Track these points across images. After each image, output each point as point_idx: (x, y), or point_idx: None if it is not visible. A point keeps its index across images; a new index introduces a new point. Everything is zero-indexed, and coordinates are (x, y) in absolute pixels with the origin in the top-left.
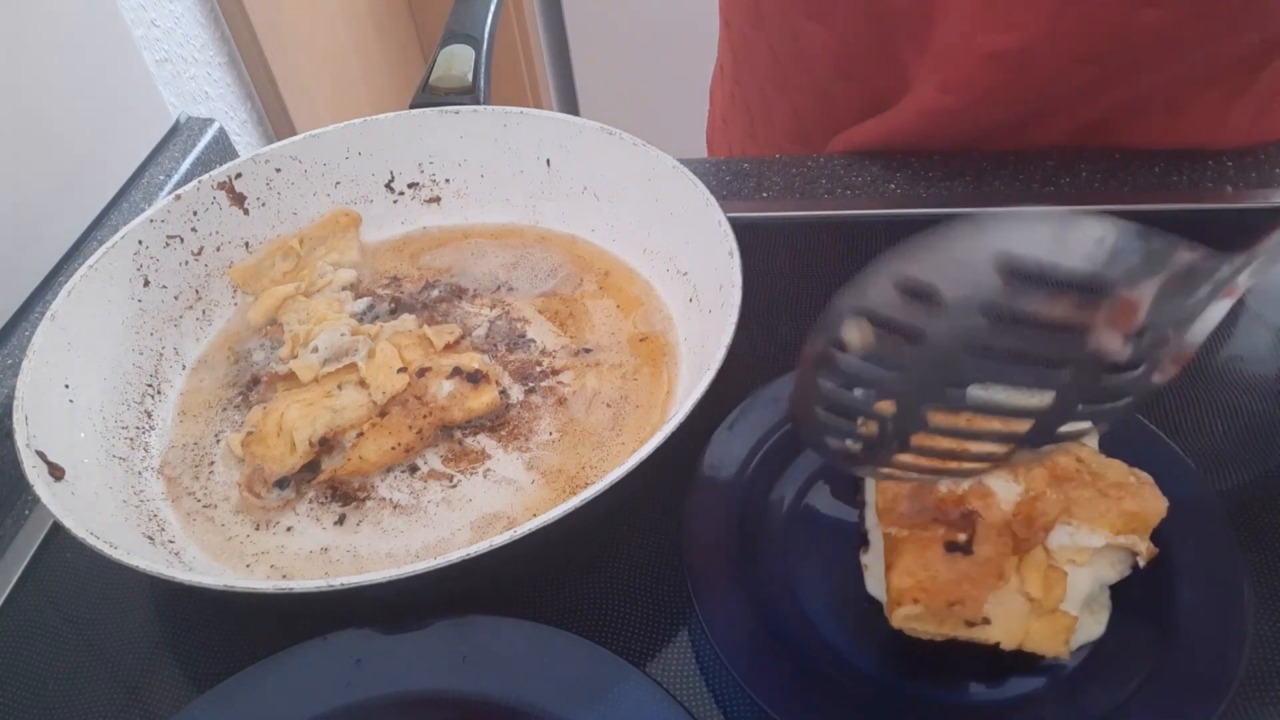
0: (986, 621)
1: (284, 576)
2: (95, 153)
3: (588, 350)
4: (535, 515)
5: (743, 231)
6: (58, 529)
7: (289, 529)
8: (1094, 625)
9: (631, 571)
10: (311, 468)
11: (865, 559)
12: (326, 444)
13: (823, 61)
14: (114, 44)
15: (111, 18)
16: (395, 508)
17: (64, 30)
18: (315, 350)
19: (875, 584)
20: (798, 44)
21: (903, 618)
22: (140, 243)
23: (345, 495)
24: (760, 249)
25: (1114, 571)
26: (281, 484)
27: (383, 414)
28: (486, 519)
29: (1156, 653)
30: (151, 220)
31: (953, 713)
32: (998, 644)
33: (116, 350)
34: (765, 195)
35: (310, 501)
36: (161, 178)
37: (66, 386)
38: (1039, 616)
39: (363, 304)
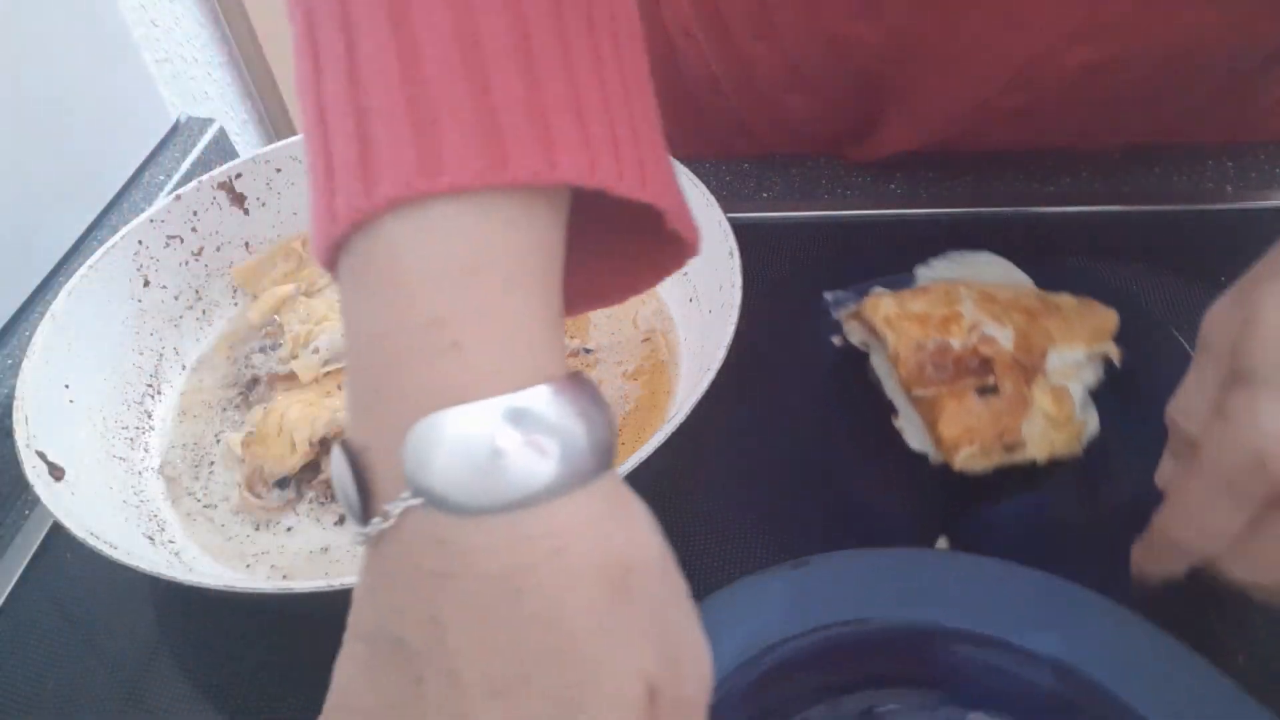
0: (1023, 445)
1: (284, 576)
2: (95, 153)
3: (588, 350)
4: None
5: (743, 231)
6: (58, 529)
7: (289, 529)
8: (1092, 423)
9: None
10: (312, 468)
11: (898, 423)
12: (327, 444)
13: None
14: (114, 44)
15: (111, 18)
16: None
17: (64, 30)
18: (316, 350)
19: (915, 440)
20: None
21: (964, 459)
22: (140, 243)
23: None
24: (760, 249)
25: (1094, 377)
26: (281, 484)
27: None
28: None
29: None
30: (151, 220)
31: (996, 523)
32: (1033, 461)
33: (116, 350)
34: (765, 195)
35: (310, 501)
36: (161, 178)
37: (66, 386)
38: (1057, 428)
39: None
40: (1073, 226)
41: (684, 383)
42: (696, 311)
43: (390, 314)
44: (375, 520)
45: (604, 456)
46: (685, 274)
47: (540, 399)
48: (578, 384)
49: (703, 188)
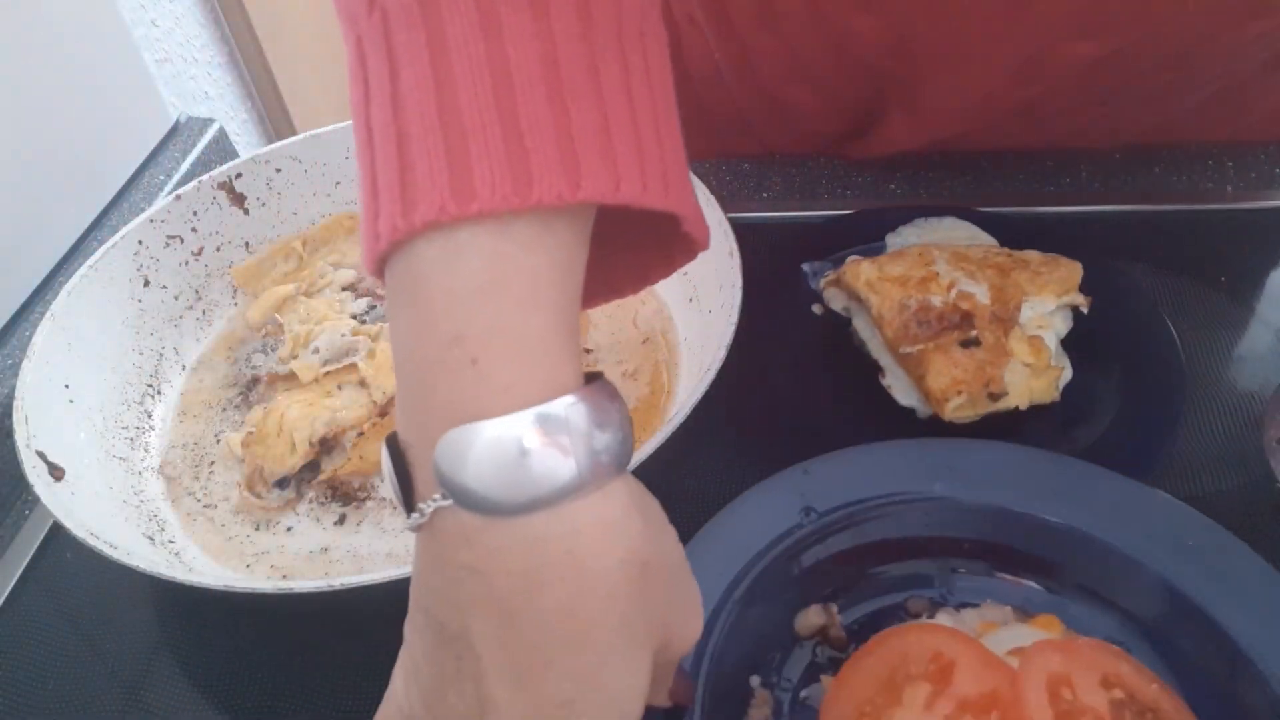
0: (1005, 393)
1: (284, 576)
2: (95, 153)
3: (588, 350)
4: None
5: (743, 231)
6: (58, 529)
7: (289, 529)
8: (1066, 370)
9: None
10: (312, 468)
11: (885, 382)
12: (326, 444)
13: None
14: (114, 44)
15: (111, 18)
16: (395, 508)
17: (64, 30)
18: (316, 350)
19: (903, 396)
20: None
21: (953, 409)
22: (140, 243)
23: (345, 495)
24: (760, 249)
25: (1065, 326)
26: (281, 484)
27: (383, 414)
28: None
29: (1119, 388)
30: (151, 220)
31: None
32: (1016, 408)
33: (116, 350)
34: (765, 195)
35: (310, 501)
36: (161, 178)
37: (66, 386)
38: (1036, 376)
39: (363, 304)
40: (1073, 226)
41: (684, 383)
42: (696, 311)
43: (419, 330)
44: (414, 515)
45: (620, 457)
46: (685, 274)
47: (562, 405)
48: (597, 391)
49: (703, 187)
